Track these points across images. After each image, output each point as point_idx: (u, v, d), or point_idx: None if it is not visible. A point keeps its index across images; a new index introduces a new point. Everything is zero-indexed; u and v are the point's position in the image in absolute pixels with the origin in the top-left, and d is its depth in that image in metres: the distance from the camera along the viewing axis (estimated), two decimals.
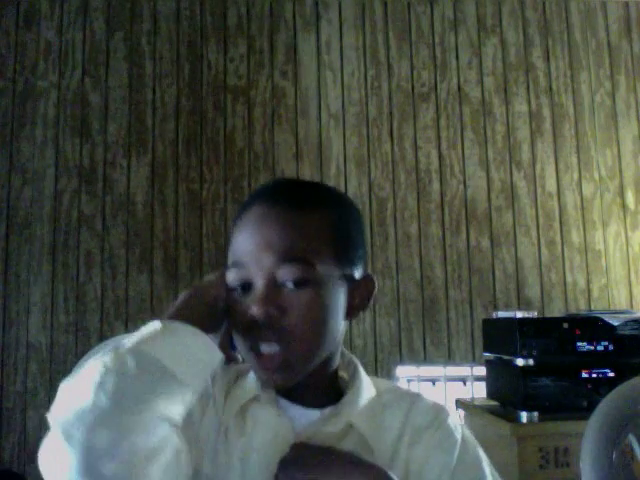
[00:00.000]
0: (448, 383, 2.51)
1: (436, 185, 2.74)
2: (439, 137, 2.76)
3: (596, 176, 2.79)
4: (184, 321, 0.66)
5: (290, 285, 0.69)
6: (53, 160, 2.68)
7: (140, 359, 0.60)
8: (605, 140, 2.81)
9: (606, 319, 1.85)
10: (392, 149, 2.75)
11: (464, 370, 2.52)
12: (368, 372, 0.79)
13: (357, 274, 0.76)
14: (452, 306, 2.67)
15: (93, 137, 2.70)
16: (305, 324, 0.69)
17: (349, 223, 0.76)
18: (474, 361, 2.57)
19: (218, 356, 0.67)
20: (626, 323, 1.87)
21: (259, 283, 0.70)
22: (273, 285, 0.69)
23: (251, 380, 0.76)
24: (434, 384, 2.52)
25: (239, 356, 0.76)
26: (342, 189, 2.71)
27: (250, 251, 0.70)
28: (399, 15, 2.83)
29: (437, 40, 2.83)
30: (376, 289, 0.78)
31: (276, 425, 0.72)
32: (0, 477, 2.40)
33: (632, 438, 0.97)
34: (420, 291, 2.67)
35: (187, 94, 2.74)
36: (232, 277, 0.72)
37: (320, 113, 2.75)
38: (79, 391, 0.58)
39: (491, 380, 2.02)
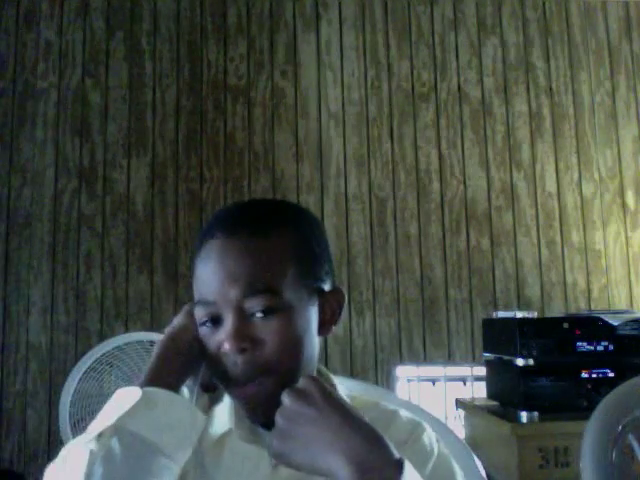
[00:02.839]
0: (448, 383, 2.51)
1: (436, 185, 2.74)
2: (439, 137, 2.76)
3: (596, 176, 2.79)
4: (164, 379, 0.67)
5: (259, 315, 0.68)
6: (53, 160, 2.68)
7: (125, 439, 0.60)
8: (605, 140, 2.81)
9: (606, 319, 1.85)
10: (392, 149, 2.75)
11: (464, 370, 2.52)
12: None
13: (326, 288, 0.75)
14: (452, 306, 2.67)
15: (93, 137, 2.70)
16: (281, 352, 0.68)
17: (311, 240, 0.75)
18: (474, 361, 2.56)
19: (201, 420, 0.67)
20: (626, 323, 1.87)
21: (228, 318, 0.69)
22: (242, 318, 0.68)
23: (223, 412, 0.75)
24: (434, 384, 2.52)
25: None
26: (342, 189, 2.71)
27: (215, 287, 0.69)
28: (399, 15, 2.83)
29: (437, 40, 2.83)
30: (345, 301, 0.77)
31: (254, 457, 0.71)
32: (0, 477, 2.40)
33: (632, 438, 0.97)
34: (420, 291, 2.67)
35: (187, 94, 2.74)
36: (200, 314, 0.71)
37: (320, 113, 2.75)
38: None
39: (491, 380, 2.02)
